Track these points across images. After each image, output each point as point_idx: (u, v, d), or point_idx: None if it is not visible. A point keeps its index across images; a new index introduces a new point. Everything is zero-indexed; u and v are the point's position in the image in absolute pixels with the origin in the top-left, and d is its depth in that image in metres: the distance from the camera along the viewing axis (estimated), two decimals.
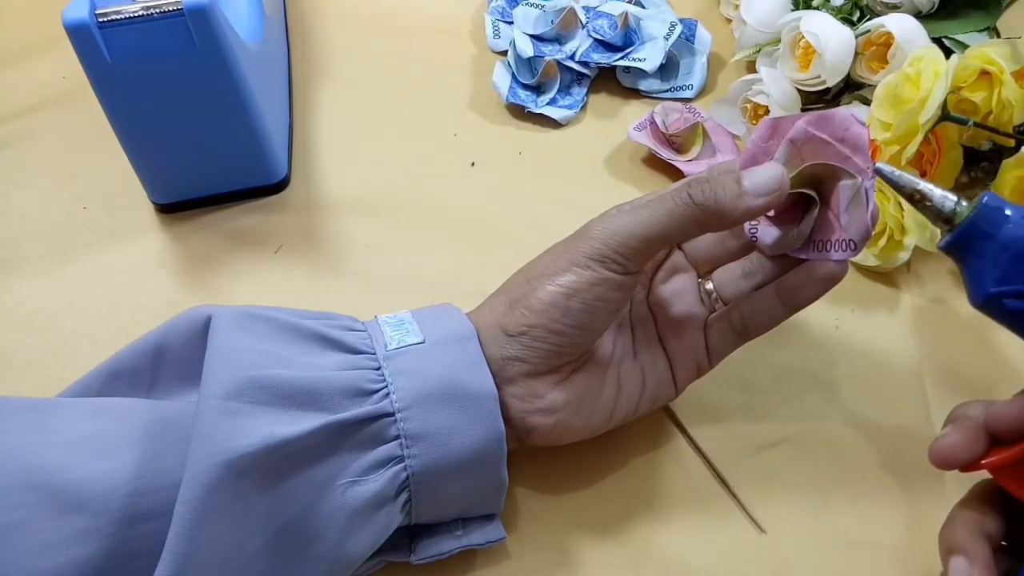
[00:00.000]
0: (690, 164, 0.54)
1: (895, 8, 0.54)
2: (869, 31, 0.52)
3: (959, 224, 0.32)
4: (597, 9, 0.61)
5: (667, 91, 0.61)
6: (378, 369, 0.35)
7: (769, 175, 0.35)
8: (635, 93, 0.61)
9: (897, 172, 0.34)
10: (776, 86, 0.53)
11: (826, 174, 0.36)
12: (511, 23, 0.63)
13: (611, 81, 0.61)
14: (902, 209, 0.46)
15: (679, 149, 0.56)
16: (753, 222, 0.39)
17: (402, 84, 0.62)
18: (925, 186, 0.33)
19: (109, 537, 0.30)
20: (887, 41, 0.51)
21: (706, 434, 0.43)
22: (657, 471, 0.42)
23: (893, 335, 0.47)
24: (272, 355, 0.33)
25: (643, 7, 0.63)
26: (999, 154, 0.49)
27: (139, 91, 0.46)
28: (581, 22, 0.61)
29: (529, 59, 0.60)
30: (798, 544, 0.40)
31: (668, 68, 0.61)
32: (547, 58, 0.59)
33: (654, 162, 0.56)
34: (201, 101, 0.48)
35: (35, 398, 0.34)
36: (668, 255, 0.41)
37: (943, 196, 0.33)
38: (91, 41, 0.43)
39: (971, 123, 0.46)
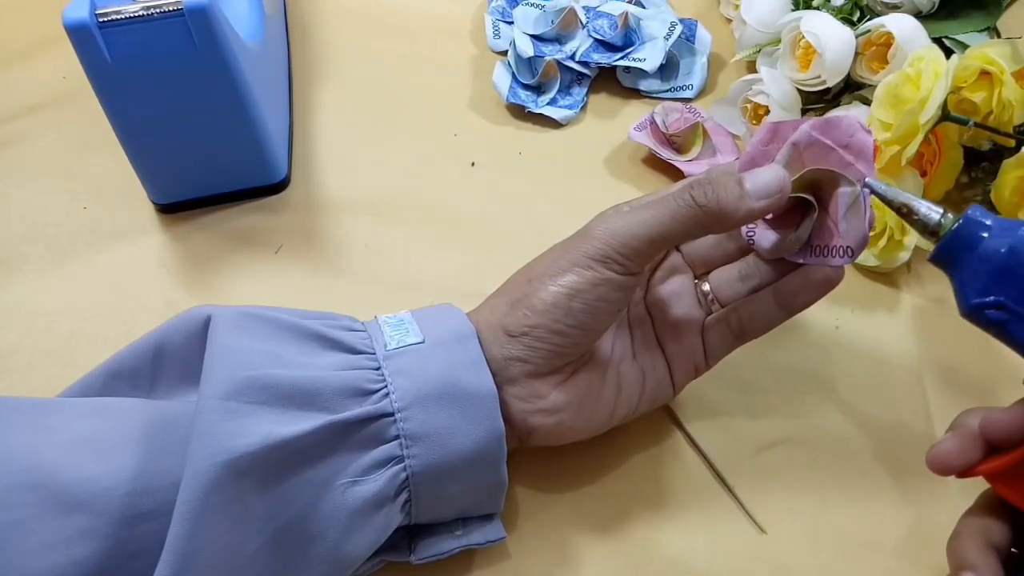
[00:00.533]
0: (690, 164, 0.54)
1: (895, 8, 0.54)
2: (869, 31, 0.52)
3: (943, 236, 0.33)
4: (597, 9, 0.61)
5: (667, 91, 0.61)
6: (378, 369, 0.35)
7: (771, 177, 0.35)
8: (635, 93, 0.61)
9: (884, 186, 0.34)
10: (776, 86, 0.53)
11: (826, 180, 0.36)
12: (511, 23, 0.63)
13: (611, 81, 0.61)
14: None
15: (679, 149, 0.56)
16: (751, 225, 0.39)
17: (402, 84, 0.62)
18: (911, 199, 0.34)
19: (109, 537, 0.30)
20: (887, 41, 0.51)
21: (706, 434, 0.43)
22: (657, 471, 0.42)
23: (893, 335, 0.47)
24: (272, 355, 0.33)
25: (643, 7, 0.63)
26: (999, 154, 0.49)
27: (139, 91, 0.46)
28: (581, 22, 0.61)
29: (529, 59, 0.60)
30: (798, 544, 0.40)
31: (668, 68, 0.61)
32: (547, 58, 0.59)
33: (654, 162, 0.56)
34: (201, 101, 0.48)
35: (35, 398, 0.34)
36: (666, 256, 0.41)
37: (928, 209, 0.33)
38: (91, 41, 0.43)
39: (971, 123, 0.46)
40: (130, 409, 0.34)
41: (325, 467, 0.33)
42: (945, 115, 0.46)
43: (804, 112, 0.54)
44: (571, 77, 0.61)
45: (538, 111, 0.59)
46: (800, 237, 0.37)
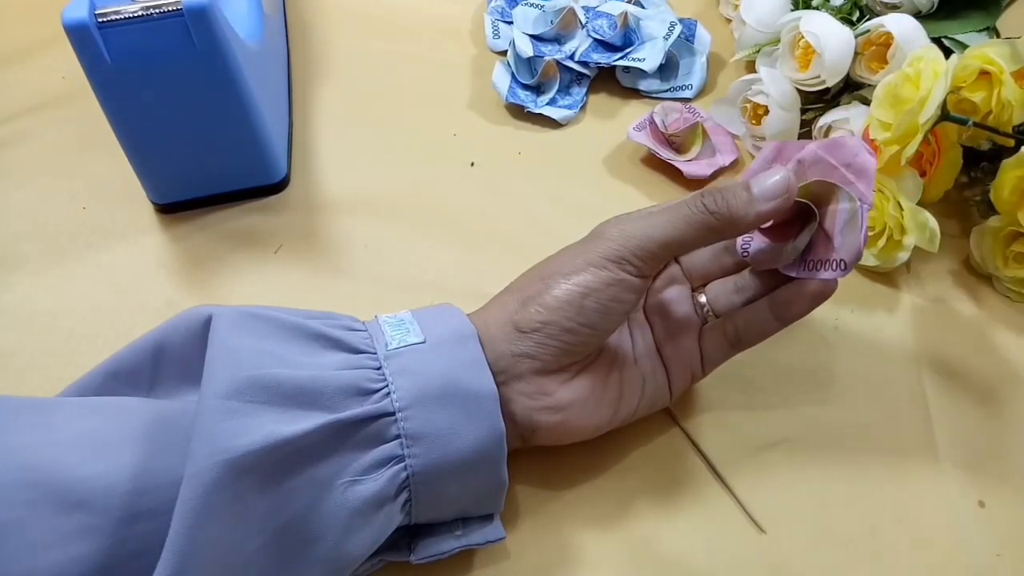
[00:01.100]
0: (690, 164, 0.55)
1: (895, 8, 0.54)
2: (869, 31, 0.52)
3: None
4: (596, 9, 0.61)
5: (667, 91, 0.61)
6: (379, 368, 0.35)
7: (777, 180, 0.36)
8: (635, 93, 0.61)
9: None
10: (776, 86, 0.53)
11: (825, 195, 0.37)
12: (511, 23, 0.63)
13: (611, 81, 0.61)
14: (902, 209, 0.46)
15: (679, 149, 0.56)
16: (747, 236, 0.40)
17: (402, 84, 0.62)
18: None
19: (109, 536, 0.30)
20: (887, 41, 0.51)
21: (706, 433, 0.43)
22: (657, 470, 0.42)
23: (893, 335, 0.47)
24: (273, 354, 0.33)
25: (643, 7, 0.63)
26: (999, 154, 0.49)
27: (139, 91, 0.46)
28: (581, 22, 0.61)
29: (529, 59, 0.60)
30: (798, 544, 0.40)
31: (668, 68, 0.61)
32: (547, 58, 0.59)
33: (654, 162, 0.56)
34: (201, 101, 0.48)
35: (35, 397, 0.34)
36: (666, 266, 0.42)
37: None
38: (91, 41, 0.43)
39: (971, 123, 0.46)
40: (130, 408, 0.34)
41: (326, 466, 0.33)
42: (944, 115, 0.46)
43: (803, 112, 0.54)
44: (570, 77, 0.61)
45: (537, 111, 0.59)
46: (797, 247, 0.38)
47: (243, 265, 0.51)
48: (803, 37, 0.52)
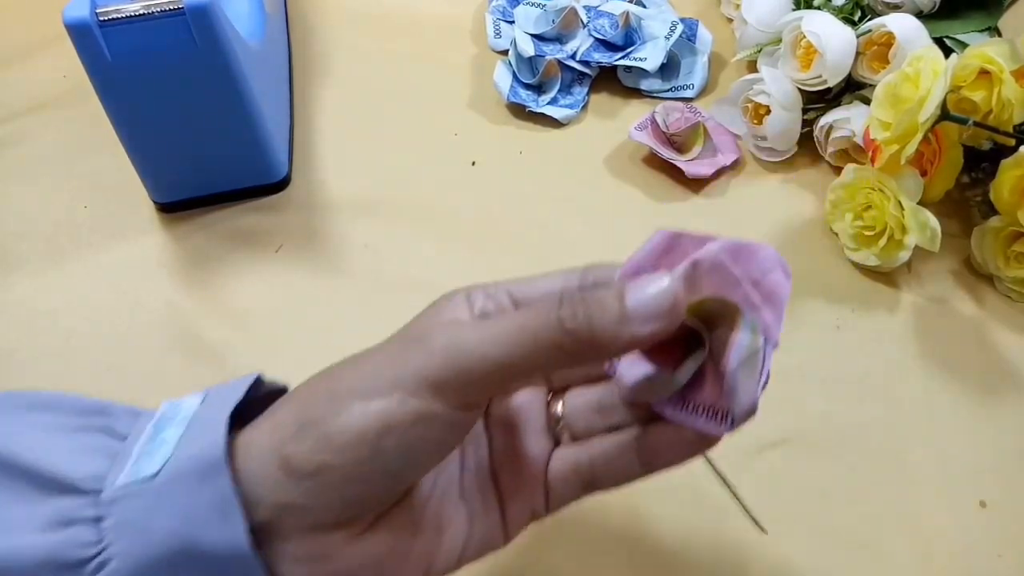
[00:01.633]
0: (691, 164, 0.54)
1: (896, 8, 0.54)
2: (870, 31, 0.52)
3: None
4: (598, 8, 0.61)
5: (668, 91, 0.61)
6: (98, 521, 0.26)
7: (660, 293, 0.26)
8: (636, 93, 0.61)
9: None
10: (777, 86, 0.53)
11: (722, 317, 0.28)
12: (512, 22, 0.63)
13: (612, 81, 0.61)
14: (902, 208, 0.46)
15: (680, 149, 0.56)
16: None
17: (402, 84, 0.62)
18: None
19: None
20: (888, 41, 0.51)
21: None
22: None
23: (893, 335, 0.47)
24: None
25: (644, 7, 0.63)
26: (1000, 154, 0.49)
27: (139, 90, 0.46)
28: (582, 21, 0.61)
29: (530, 58, 0.60)
30: (798, 544, 0.40)
31: (669, 68, 0.61)
32: (548, 57, 0.59)
33: (655, 162, 0.56)
34: (201, 100, 0.48)
35: None
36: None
37: None
38: (92, 40, 0.43)
39: (971, 122, 0.46)
40: None
41: None
42: (944, 114, 0.46)
43: (805, 112, 0.54)
44: (572, 76, 0.61)
45: (539, 110, 0.58)
46: (678, 382, 0.29)
47: (243, 265, 0.51)
48: (805, 37, 0.52)
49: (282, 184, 0.54)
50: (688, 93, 0.60)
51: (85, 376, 0.46)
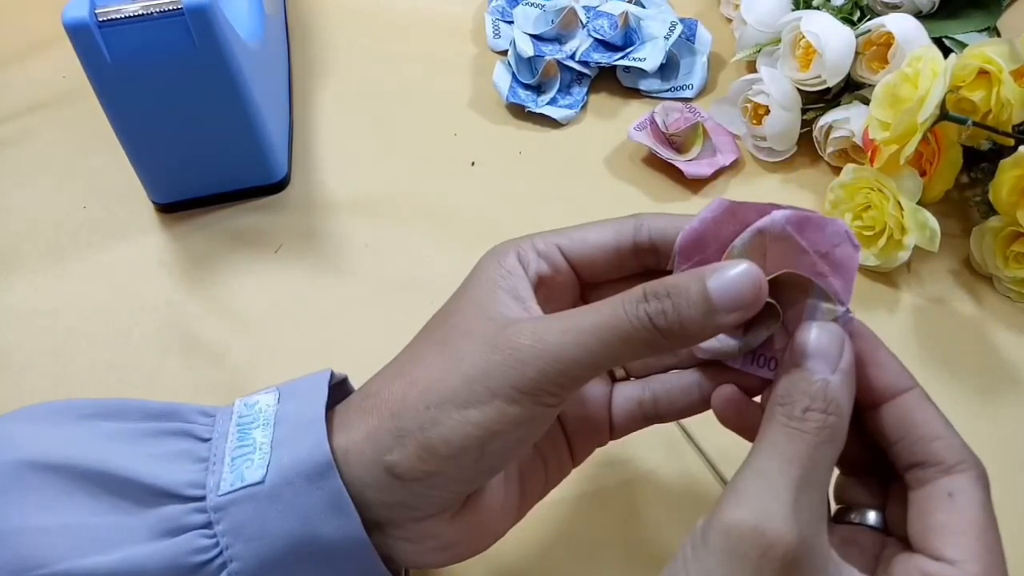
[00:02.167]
0: (690, 164, 0.54)
1: (895, 8, 0.54)
2: (869, 31, 0.52)
3: None
4: (597, 9, 0.61)
5: (667, 91, 0.61)
6: (209, 527, 0.27)
7: (744, 282, 0.27)
8: (635, 93, 0.61)
9: None
10: (776, 86, 0.53)
11: (791, 287, 0.29)
12: (511, 23, 0.63)
13: (611, 81, 0.61)
14: (902, 209, 0.46)
15: (679, 149, 0.56)
16: None
17: (402, 84, 0.62)
18: None
19: None
20: (887, 41, 0.51)
21: (706, 434, 0.43)
22: (658, 471, 0.42)
23: (893, 335, 0.47)
24: (65, 531, 0.26)
25: (643, 7, 0.63)
26: (999, 154, 0.49)
27: (139, 91, 0.46)
28: (581, 22, 0.61)
29: (529, 59, 0.60)
30: None
31: (668, 68, 0.61)
32: (547, 58, 0.59)
33: (654, 162, 0.56)
34: (201, 101, 0.48)
35: None
36: None
37: None
38: (91, 41, 0.43)
39: (970, 122, 0.46)
40: None
41: None
42: (944, 114, 0.46)
43: (804, 112, 0.54)
44: (571, 77, 0.61)
45: (538, 111, 0.59)
46: (749, 344, 0.30)
47: (243, 265, 0.51)
48: (804, 37, 0.52)
49: (282, 184, 0.54)
50: (687, 93, 0.60)
51: (85, 376, 0.46)
